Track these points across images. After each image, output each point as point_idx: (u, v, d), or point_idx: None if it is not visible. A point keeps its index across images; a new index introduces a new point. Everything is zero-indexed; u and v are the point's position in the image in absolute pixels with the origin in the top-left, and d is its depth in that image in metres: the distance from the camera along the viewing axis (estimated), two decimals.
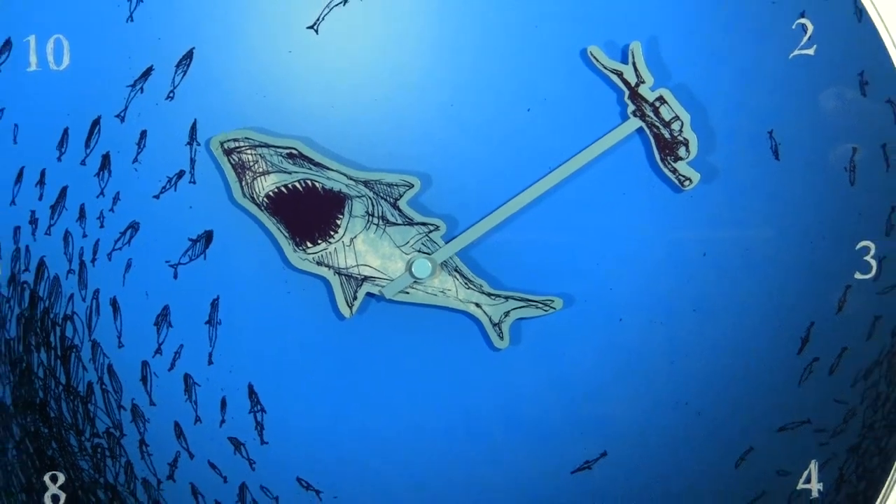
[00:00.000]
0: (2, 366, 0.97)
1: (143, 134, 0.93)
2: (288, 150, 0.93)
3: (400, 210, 0.94)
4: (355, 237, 0.94)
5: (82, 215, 0.94)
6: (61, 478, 0.97)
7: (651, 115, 0.93)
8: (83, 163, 0.93)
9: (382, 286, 0.94)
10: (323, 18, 0.92)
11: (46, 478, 0.97)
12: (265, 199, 0.93)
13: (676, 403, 0.95)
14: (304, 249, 0.94)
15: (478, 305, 0.94)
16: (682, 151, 0.93)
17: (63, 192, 0.94)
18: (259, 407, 0.95)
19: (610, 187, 0.94)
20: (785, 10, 0.92)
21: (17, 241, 0.94)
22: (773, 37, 0.93)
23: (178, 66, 0.93)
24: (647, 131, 0.93)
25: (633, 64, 0.92)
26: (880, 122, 0.94)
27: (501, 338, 0.95)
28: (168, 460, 0.96)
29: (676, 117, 0.92)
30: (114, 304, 0.95)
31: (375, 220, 0.94)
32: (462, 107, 0.93)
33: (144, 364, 0.95)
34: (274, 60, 0.93)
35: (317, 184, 0.94)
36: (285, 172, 0.93)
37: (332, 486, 0.96)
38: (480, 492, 0.97)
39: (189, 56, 0.93)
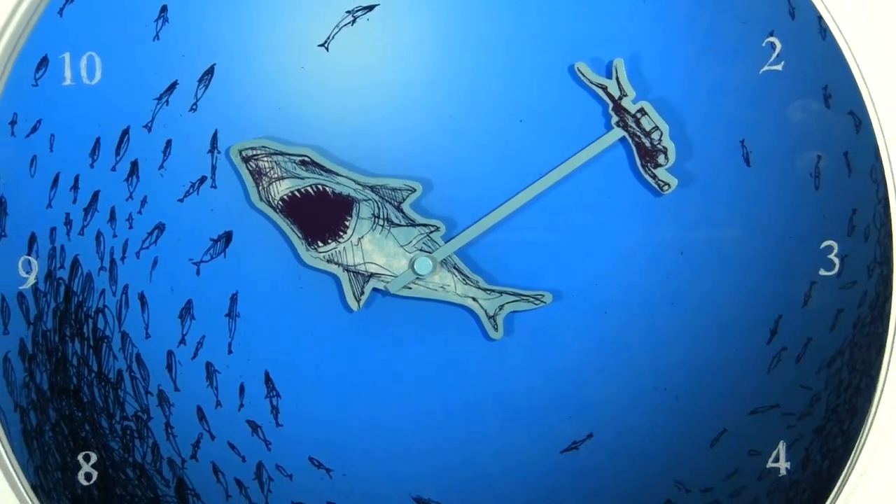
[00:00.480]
0: (40, 354, 0.99)
1: (169, 143, 0.96)
2: (301, 158, 0.95)
3: (403, 212, 0.96)
4: (362, 237, 0.96)
5: (113, 217, 0.96)
6: (94, 457, 0.99)
7: (633, 125, 0.95)
8: (113, 169, 0.95)
9: (387, 282, 0.97)
10: (333, 37, 0.94)
11: (80, 457, 0.99)
12: (280, 203, 0.96)
13: (656, 389, 0.96)
14: (315, 248, 0.96)
15: (474, 300, 0.97)
16: (661, 159, 0.95)
17: (95, 196, 0.96)
18: (274, 392, 0.98)
19: (595, 192, 0.96)
20: (755, 30, 0.94)
21: (53, 241, 0.96)
22: (745, 54, 0.95)
23: (200, 80, 0.95)
24: (630, 140, 0.95)
25: (617, 79, 0.94)
26: (843, 132, 0.96)
27: (496, 329, 0.97)
28: (191, 441, 0.99)
29: (656, 127, 0.95)
30: (141, 298, 0.97)
31: (381, 222, 0.97)
32: (460, 118, 0.95)
33: (169, 353, 0.97)
34: (288, 75, 0.95)
35: (327, 188, 0.96)
36: (298, 178, 0.96)
37: (341, 464, 0.98)
38: (476, 469, 0.99)
39: (210, 71, 0.95)
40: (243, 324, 0.98)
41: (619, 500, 1.00)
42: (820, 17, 0.95)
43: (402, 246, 0.97)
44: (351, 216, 0.97)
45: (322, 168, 0.96)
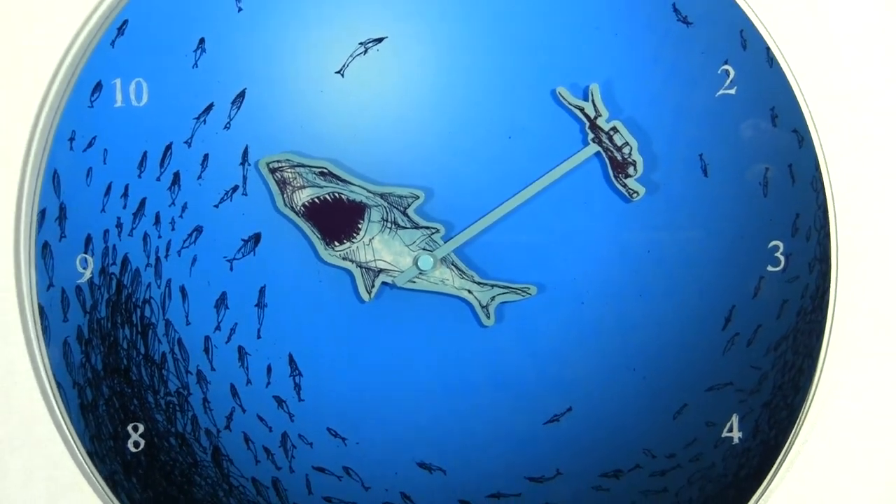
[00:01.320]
0: (95, 339, 1.02)
1: (206, 157, 1.00)
2: (320, 169, 1.00)
3: (408, 216, 1.00)
4: (373, 238, 1.00)
5: (157, 221, 1.00)
6: (141, 427, 1.03)
7: (606, 141, 0.98)
8: (158, 179, 1.00)
9: (394, 276, 1.00)
10: (348, 65, 0.98)
11: (129, 427, 1.03)
12: (302, 208, 1.00)
13: (626, 369, 1.01)
14: (332, 248, 1.00)
15: (469, 292, 1.01)
16: (630, 170, 0.99)
17: (142, 203, 1.00)
18: (297, 372, 1.01)
19: (573, 198, 1.00)
20: (712, 59, 0.98)
21: (106, 241, 1.00)
22: (703, 80, 0.99)
23: (233, 102, 0.99)
24: (603, 154, 0.99)
25: (592, 101, 0.98)
26: (787, 147, 0.99)
27: (488, 317, 1.00)
28: (225, 414, 1.02)
29: (626, 143, 0.98)
30: (182, 290, 1.01)
31: (389, 225, 1.00)
32: (457, 135, 0.99)
33: (207, 338, 1.01)
34: (309, 98, 0.99)
35: (343, 196, 1.00)
36: (318, 187, 1.00)
37: (355, 434, 1.02)
38: (471, 438, 1.02)
39: (242, 95, 0.99)
40: (270, 313, 1.01)
41: (594, 464, 1.02)
42: (768, 48, 0.98)
43: (407, 245, 1.00)
44: (363, 220, 1.00)
45: (338, 178, 0.99)
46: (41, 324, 1.02)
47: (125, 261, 1.02)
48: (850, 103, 0.99)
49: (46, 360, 1.03)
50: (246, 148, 1.00)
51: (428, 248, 1.00)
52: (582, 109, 0.98)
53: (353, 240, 1.01)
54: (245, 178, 1.00)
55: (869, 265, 1.00)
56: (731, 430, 1.03)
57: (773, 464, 1.03)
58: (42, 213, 1.01)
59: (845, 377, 1.02)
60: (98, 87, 1.00)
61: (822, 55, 0.99)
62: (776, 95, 1.00)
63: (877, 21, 0.99)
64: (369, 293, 1.01)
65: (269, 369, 1.02)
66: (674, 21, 0.98)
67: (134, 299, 1.02)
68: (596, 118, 0.98)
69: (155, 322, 1.03)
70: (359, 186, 1.00)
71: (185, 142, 1.00)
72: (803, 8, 0.98)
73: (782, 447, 1.03)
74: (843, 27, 0.99)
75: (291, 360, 1.02)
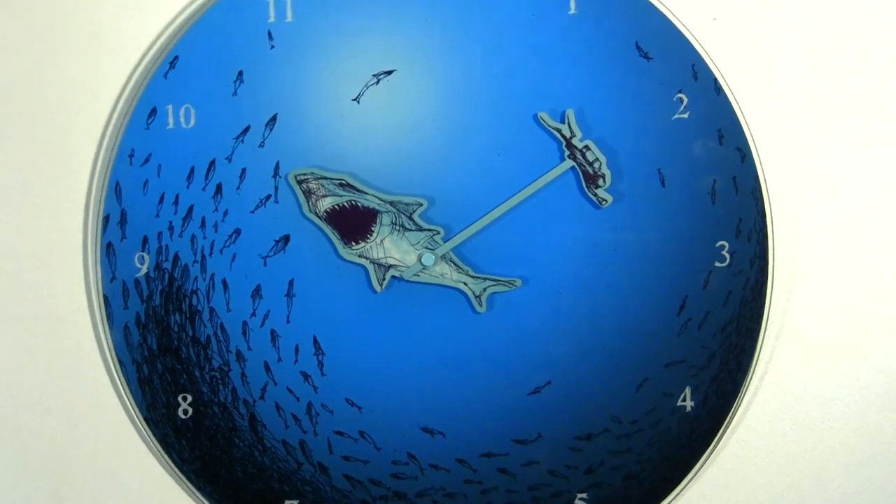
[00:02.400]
0: (151, 323, 1.06)
1: (244, 170, 1.04)
2: (339, 181, 1.03)
3: (413, 220, 1.03)
4: (384, 239, 1.04)
5: (203, 224, 1.05)
6: (189, 398, 1.07)
7: (580, 157, 1.02)
8: (203, 189, 1.04)
9: (402, 271, 1.04)
10: (363, 93, 1.03)
11: (179, 398, 1.07)
12: (324, 213, 1.03)
13: (597, 348, 1.04)
14: (350, 247, 1.04)
15: (465, 284, 1.04)
16: (600, 182, 1.02)
17: (190, 209, 1.05)
18: (320, 351, 1.05)
19: (552, 205, 1.03)
20: (668, 89, 1.02)
21: (160, 242, 1.05)
22: (661, 106, 1.02)
23: (266, 125, 1.04)
24: (577, 168, 1.02)
25: (568, 123, 1.02)
26: (732, 163, 1.02)
27: (481, 305, 1.03)
28: (260, 387, 1.06)
29: (597, 159, 1.02)
30: (224, 283, 1.05)
31: (397, 227, 1.03)
32: (455, 152, 1.03)
33: (244, 323, 1.05)
34: (330, 121, 1.04)
35: (358, 203, 1.03)
36: (338, 196, 1.03)
37: (369, 403, 1.05)
38: (466, 406, 1.05)
39: (274, 119, 1.04)
40: (298, 302, 1.05)
41: (570, 429, 1.05)
42: (715, 80, 1.02)
43: (412, 245, 1.04)
44: (376, 223, 1.04)
45: (355, 188, 1.03)
46: (105, 310, 1.06)
47: (176, 258, 1.06)
48: (783, 126, 1.04)
49: (110, 341, 1.07)
50: (277, 163, 1.04)
51: (430, 247, 1.04)
52: (559, 130, 1.02)
53: (368, 240, 1.04)
54: (276, 188, 1.04)
55: (799, 262, 1.04)
56: (684, 400, 1.05)
57: (720, 428, 1.05)
58: (106, 219, 1.05)
59: (779, 355, 1.05)
60: (153, 112, 1.05)
61: (761, 86, 1.03)
62: (722, 119, 1.03)
63: (805, 57, 1.04)
64: (381, 285, 1.04)
65: (296, 349, 1.05)
66: (636, 57, 1.02)
67: (183, 290, 1.06)
68: (571, 138, 1.02)
69: (201, 309, 1.06)
70: (372, 195, 1.03)
71: (226, 158, 1.04)
72: (745, 47, 1.03)
73: (727, 414, 1.05)
74: (778, 63, 1.04)
75: (315, 342, 1.05)
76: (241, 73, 1.03)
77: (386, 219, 1.03)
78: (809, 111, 1.04)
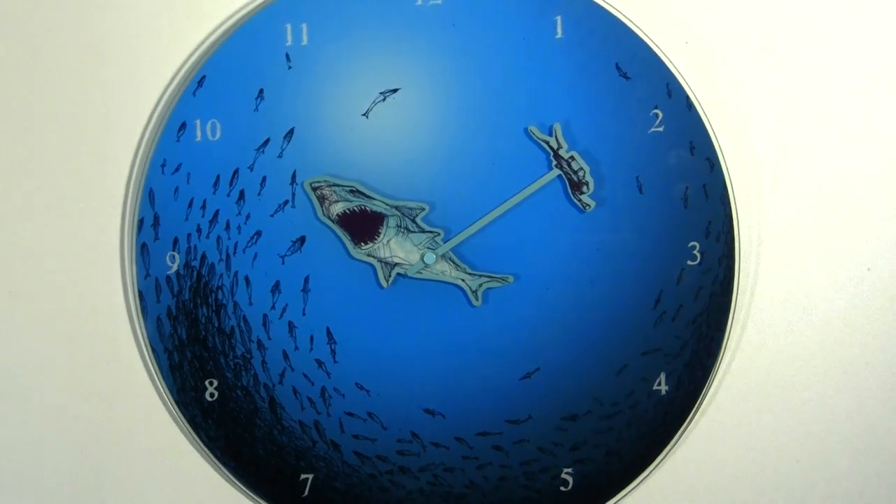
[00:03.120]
0: (181, 315, 1.08)
1: (264, 178, 1.06)
2: (350, 188, 1.05)
3: (416, 223, 1.05)
4: (390, 240, 1.05)
5: (227, 227, 1.06)
6: (215, 382, 1.09)
7: (566, 167, 1.03)
8: (228, 195, 1.06)
9: (406, 269, 1.05)
10: (371, 109, 1.05)
11: (206, 382, 1.09)
12: (336, 217, 1.05)
13: (580, 337, 1.05)
14: (359, 247, 1.05)
15: (463, 280, 1.05)
16: (584, 189, 1.03)
17: (216, 213, 1.06)
18: (333, 341, 1.06)
19: (541, 210, 1.04)
20: (645, 105, 1.03)
21: (189, 242, 1.07)
22: (639, 120, 1.03)
23: (284, 137, 1.05)
24: (564, 177, 1.03)
25: (556, 136, 1.03)
26: (702, 172, 1.03)
27: (477, 300, 1.05)
28: (278, 372, 1.07)
29: (581, 168, 1.03)
30: (246, 279, 1.07)
31: (402, 230, 1.05)
32: (454, 161, 1.05)
33: (264, 315, 1.07)
34: (343, 134, 1.05)
35: (367, 208, 1.05)
36: (348, 201, 1.05)
37: (376, 387, 1.07)
38: (464, 390, 1.06)
39: (291, 132, 1.05)
40: (313, 296, 1.07)
41: (557, 410, 1.06)
42: (687, 97, 1.03)
43: (415, 245, 1.05)
44: (382, 226, 1.05)
45: (364, 194, 1.05)
46: (140, 304, 1.08)
47: (203, 257, 1.07)
48: (748, 139, 1.06)
49: (144, 332, 1.09)
50: (294, 172, 1.06)
51: (431, 247, 1.05)
52: (547, 142, 1.03)
53: (375, 241, 1.05)
54: (293, 194, 1.06)
55: (762, 260, 1.07)
56: (660, 384, 1.05)
57: (691, 410, 1.06)
58: (141, 222, 1.07)
59: (744, 345, 1.07)
60: (183, 126, 1.06)
61: (728, 103, 1.05)
62: (693, 133, 1.03)
63: (767, 77, 1.06)
64: (387, 281, 1.05)
65: (311, 339, 1.07)
66: (616, 76, 1.02)
67: (210, 286, 1.08)
68: (558, 149, 1.03)
69: (225, 303, 1.08)
70: (379, 200, 1.05)
71: (249, 167, 1.06)
72: (713, 68, 1.05)
73: (698, 397, 1.06)
74: (743, 83, 1.06)
75: (328, 332, 1.07)
76: (261, 91, 1.04)
77: (392, 222, 1.04)
78: (771, 126, 1.06)
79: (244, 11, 1.05)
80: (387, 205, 1.04)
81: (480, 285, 1.04)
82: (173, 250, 1.06)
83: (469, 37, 1.03)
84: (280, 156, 1.05)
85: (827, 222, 1.06)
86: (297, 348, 1.06)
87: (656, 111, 1.03)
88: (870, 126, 1.05)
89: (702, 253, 1.04)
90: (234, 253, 1.06)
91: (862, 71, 1.05)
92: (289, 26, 1.03)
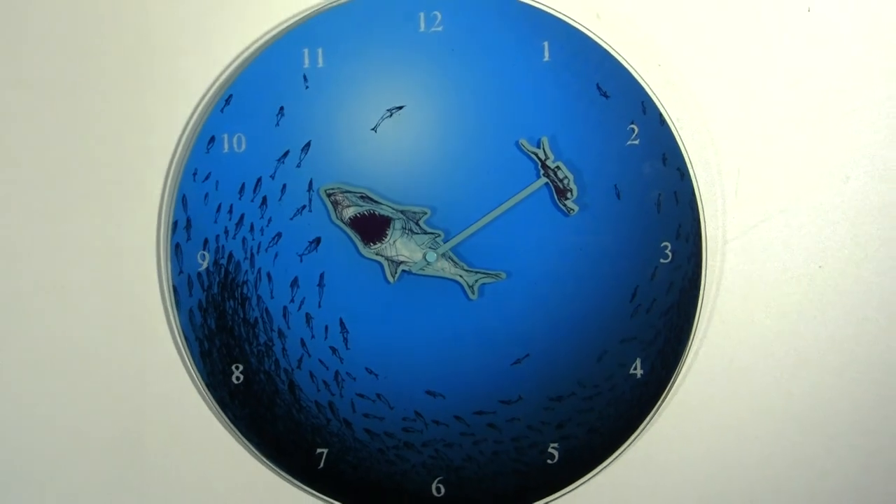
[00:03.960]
0: (210, 308, 1.09)
1: (284, 186, 1.07)
2: (361, 194, 1.06)
3: (419, 226, 1.06)
4: (396, 240, 1.06)
5: (252, 229, 1.08)
6: (241, 367, 1.10)
7: (553, 175, 1.05)
8: (252, 201, 1.08)
9: (410, 266, 1.07)
10: (379, 124, 1.07)
11: (233, 367, 1.10)
12: (348, 220, 1.06)
13: (565, 327, 1.06)
14: (369, 247, 1.07)
15: (461, 276, 1.06)
16: (569, 195, 1.05)
17: (241, 217, 1.08)
18: (345, 330, 1.08)
19: (531, 214, 1.06)
20: (623, 120, 1.04)
21: (217, 243, 1.08)
22: (617, 134, 1.05)
23: (302, 149, 1.07)
24: (550, 184, 1.05)
25: (543, 148, 1.05)
26: (673, 180, 1.05)
27: (473, 293, 1.06)
28: (297, 358, 1.09)
29: (566, 177, 1.04)
30: (268, 275, 1.08)
31: (407, 231, 1.06)
32: (453, 171, 1.06)
33: (284, 307, 1.08)
34: (354, 146, 1.07)
35: (376, 212, 1.06)
36: (359, 206, 1.06)
37: (384, 371, 1.08)
38: (461, 374, 1.07)
39: (308, 145, 1.07)
40: (327, 290, 1.08)
41: (544, 392, 1.07)
42: (660, 114, 1.04)
43: (419, 245, 1.06)
44: (389, 228, 1.06)
45: (373, 200, 1.06)
46: (174, 298, 1.09)
47: (230, 256, 1.09)
48: (713, 151, 1.09)
49: (178, 322, 1.10)
50: (311, 180, 1.07)
51: (433, 247, 1.06)
52: (536, 154, 1.05)
53: (383, 241, 1.07)
54: (310, 200, 1.07)
55: (726, 259, 1.09)
56: (635, 368, 1.07)
57: (663, 392, 1.08)
58: (175, 224, 1.08)
59: (711, 334, 1.10)
60: (212, 139, 1.08)
61: (696, 119, 1.08)
62: (665, 145, 1.05)
63: (730, 96, 1.08)
64: (393, 277, 1.07)
65: (326, 328, 1.08)
66: (597, 95, 1.04)
67: (236, 281, 1.09)
68: (545, 160, 1.05)
69: (250, 296, 1.09)
70: (386, 205, 1.06)
71: (270, 176, 1.07)
72: (683, 87, 1.08)
73: (669, 380, 1.08)
74: (709, 101, 1.08)
75: (341, 322, 1.08)
76: (282, 108, 1.06)
77: (398, 224, 1.05)
78: (734, 140, 1.08)
79: (267, 37, 1.07)
80: (393, 209, 1.05)
81: (476, 281, 1.05)
82: (204, 250, 1.08)
83: (466, 60, 1.05)
84: (298, 166, 1.06)
85: (783, 225, 1.08)
86: (313, 337, 1.08)
87: (632, 126, 1.04)
88: (820, 141, 1.08)
89: (673, 252, 1.05)
90: (258, 252, 1.07)
91: (813, 92, 1.08)
92: (306, 51, 1.05)
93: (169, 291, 1.09)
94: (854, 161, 1.07)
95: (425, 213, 1.06)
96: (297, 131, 1.07)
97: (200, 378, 1.10)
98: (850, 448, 1.10)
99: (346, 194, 1.06)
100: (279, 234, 1.08)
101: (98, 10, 1.09)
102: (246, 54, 1.08)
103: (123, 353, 1.12)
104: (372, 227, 1.06)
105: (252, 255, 1.08)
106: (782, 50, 1.07)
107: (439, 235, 1.06)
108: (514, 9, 1.04)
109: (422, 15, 1.04)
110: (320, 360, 1.09)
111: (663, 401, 1.08)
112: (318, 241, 1.08)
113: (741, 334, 1.10)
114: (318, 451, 1.09)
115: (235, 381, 1.10)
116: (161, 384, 1.12)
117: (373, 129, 1.06)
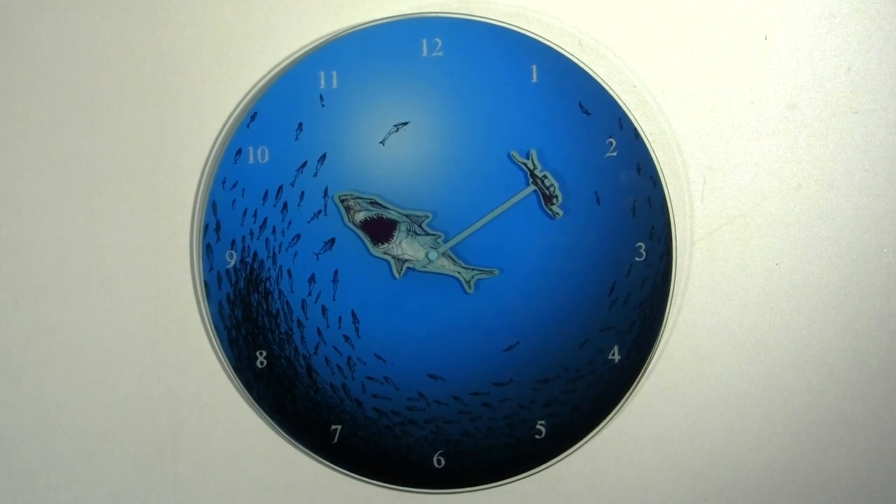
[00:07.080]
0: (237, 301, 1.10)
1: (302, 193, 1.08)
2: (370, 200, 1.08)
3: (422, 228, 1.08)
4: (402, 241, 1.08)
5: (274, 231, 1.09)
6: (265, 353, 1.11)
7: (540, 183, 1.07)
8: (274, 206, 1.09)
9: (414, 264, 1.08)
10: (387, 138, 1.09)
11: (257, 353, 1.11)
12: (359, 223, 1.08)
13: (551, 318, 1.09)
14: (377, 247, 1.09)
15: (459, 273, 1.08)
16: (554, 201, 1.07)
17: (265, 221, 1.09)
18: (357, 321, 1.10)
19: (521, 217, 1.09)
20: (602, 135, 1.07)
21: (244, 243, 1.09)
22: (596, 146, 1.07)
23: (319, 160, 1.08)
24: (538, 191, 1.07)
25: (532, 159, 1.07)
26: (647, 187, 1.08)
27: (470, 288, 1.08)
28: (314, 345, 1.10)
29: (552, 185, 1.07)
30: (289, 272, 1.09)
31: (411, 233, 1.08)
32: (452, 179, 1.09)
33: (303, 300, 1.10)
34: (364, 158, 1.09)
35: (383, 216, 1.08)
36: (369, 210, 1.08)
37: (392, 357, 1.10)
38: (458, 359, 1.10)
39: (324, 156, 1.08)
40: (341, 286, 1.10)
41: (532, 375, 1.10)
42: (635, 129, 1.07)
43: (421, 245, 1.08)
44: (396, 230, 1.08)
45: (381, 205, 1.08)
46: (205, 292, 1.10)
47: (255, 255, 1.10)
48: (682, 162, 1.12)
49: (209, 314, 1.11)
50: (326, 187, 1.09)
51: (434, 247, 1.08)
52: (525, 164, 1.07)
53: (390, 242, 1.08)
54: (326, 205, 1.09)
55: (694, 257, 1.12)
56: (613, 354, 1.09)
57: (638, 375, 1.11)
58: (206, 227, 1.09)
59: (680, 324, 1.13)
60: (239, 152, 1.09)
61: (666, 133, 1.12)
62: (640, 157, 1.08)
63: (695, 115, 1.11)
64: (399, 274, 1.09)
65: (339, 319, 1.10)
66: (580, 112, 1.07)
67: (260, 277, 1.10)
68: (534, 170, 1.07)
69: (272, 291, 1.10)
70: (393, 210, 1.08)
71: (290, 184, 1.08)
72: (655, 107, 1.11)
73: (643, 365, 1.11)
74: (677, 119, 1.11)
75: (353, 314, 1.10)
76: (300, 124, 1.08)
77: (403, 227, 1.08)
78: (700, 152, 1.12)
79: (287, 62, 1.09)
80: (399, 213, 1.07)
81: (473, 277, 1.08)
82: (231, 249, 1.09)
83: (464, 81, 1.07)
84: (315, 175, 1.08)
85: (744, 227, 1.12)
86: (328, 326, 1.09)
87: (611, 140, 1.07)
88: (776, 153, 1.11)
89: (647, 251, 1.08)
90: (279, 251, 1.09)
91: (769, 109, 1.11)
92: (322, 73, 1.07)
93: (201, 286, 1.11)
94: (805, 171, 1.11)
95: (427, 217, 1.08)
96: (314, 144, 1.09)
97: (229, 363, 1.12)
98: (805, 424, 1.14)
99: (357, 200, 1.08)
100: (298, 236, 1.10)
101: (144, 43, 1.11)
102: (269, 76, 1.10)
103: (161, 342, 1.13)
104: (380, 230, 1.08)
105: (274, 254, 1.10)
106: (742, 73, 1.11)
107: (440, 236, 1.08)
108: (506, 36, 1.07)
109: (424, 41, 1.07)
110: (335, 347, 1.11)
111: (638, 383, 1.12)
112: (332, 241, 1.10)
113: (707, 324, 1.13)
114: (333, 427, 1.12)
115: (259, 366, 1.11)
116: (194, 368, 1.14)
117: (381, 142, 1.09)
